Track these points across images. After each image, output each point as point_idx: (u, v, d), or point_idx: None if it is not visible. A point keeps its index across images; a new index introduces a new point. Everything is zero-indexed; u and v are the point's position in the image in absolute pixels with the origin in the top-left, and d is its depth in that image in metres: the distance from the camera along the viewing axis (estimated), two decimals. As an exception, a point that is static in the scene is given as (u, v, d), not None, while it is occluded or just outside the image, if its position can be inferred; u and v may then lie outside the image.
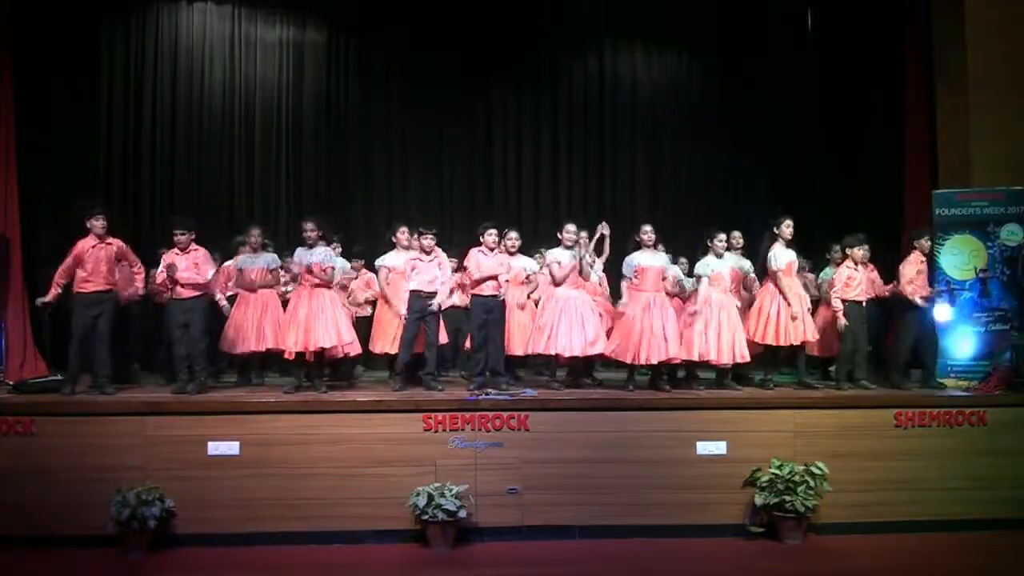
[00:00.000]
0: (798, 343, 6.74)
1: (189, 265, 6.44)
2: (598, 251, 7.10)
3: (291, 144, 10.00)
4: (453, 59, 10.02)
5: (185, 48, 9.71)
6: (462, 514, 5.50)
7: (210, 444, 5.67)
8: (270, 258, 7.14)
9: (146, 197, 9.48)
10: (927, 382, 6.95)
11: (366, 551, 5.53)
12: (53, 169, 8.71)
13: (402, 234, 7.31)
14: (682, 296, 7.20)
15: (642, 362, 6.45)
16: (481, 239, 6.73)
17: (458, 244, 7.73)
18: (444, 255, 6.90)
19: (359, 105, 10.23)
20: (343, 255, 7.65)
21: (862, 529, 5.89)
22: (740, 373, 7.09)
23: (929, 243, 7.14)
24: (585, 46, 10.70)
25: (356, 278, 7.88)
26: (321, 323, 6.35)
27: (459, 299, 7.57)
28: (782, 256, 6.74)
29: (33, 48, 8.49)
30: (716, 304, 6.65)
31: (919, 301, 6.91)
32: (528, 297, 7.27)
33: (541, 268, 7.36)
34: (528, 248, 7.60)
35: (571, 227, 6.81)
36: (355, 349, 6.87)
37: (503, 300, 6.71)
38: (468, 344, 7.05)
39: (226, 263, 7.31)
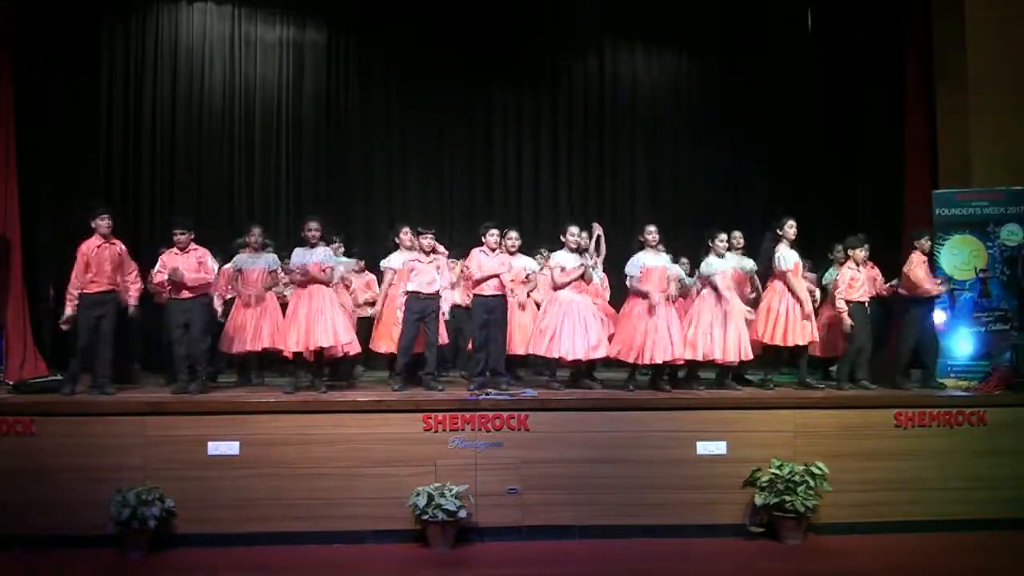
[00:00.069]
0: (805, 343, 6.74)
1: (191, 265, 6.45)
2: (596, 251, 7.10)
3: (291, 144, 10.00)
4: (453, 59, 10.03)
5: (185, 48, 9.71)
6: (462, 514, 5.50)
7: (210, 444, 5.66)
8: (271, 259, 7.13)
9: (146, 197, 9.49)
10: (927, 382, 6.95)
11: (366, 551, 5.53)
12: (53, 169, 8.71)
13: (405, 235, 7.31)
14: (684, 295, 7.21)
15: (646, 361, 6.43)
16: (482, 239, 6.73)
17: (458, 244, 7.74)
18: (443, 260, 6.91)
19: (359, 105, 10.23)
20: (344, 255, 7.65)
21: (862, 529, 5.89)
22: (739, 373, 7.10)
23: (929, 243, 7.14)
24: (585, 46, 10.70)
25: (359, 272, 7.90)
26: (321, 323, 6.35)
27: (460, 299, 7.57)
28: (789, 257, 6.74)
29: (33, 48, 8.48)
30: (721, 307, 6.65)
31: (941, 290, 6.96)
32: (528, 295, 7.27)
33: (542, 268, 7.37)
34: (529, 248, 7.60)
35: (574, 229, 6.80)
36: (354, 348, 6.87)
37: (505, 300, 6.72)
38: (470, 346, 7.05)
39: (225, 266, 7.30)
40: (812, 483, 5.68)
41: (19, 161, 8.12)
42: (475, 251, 6.79)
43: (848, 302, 6.72)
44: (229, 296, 7.23)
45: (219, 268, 7.10)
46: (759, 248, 7.08)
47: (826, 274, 7.70)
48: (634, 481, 5.83)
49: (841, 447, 5.98)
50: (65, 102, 8.89)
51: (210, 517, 5.60)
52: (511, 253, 6.87)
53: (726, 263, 6.77)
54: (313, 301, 6.40)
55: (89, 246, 6.28)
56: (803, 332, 6.68)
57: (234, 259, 7.14)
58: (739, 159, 10.46)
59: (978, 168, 8.09)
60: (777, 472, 5.74)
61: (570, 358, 6.63)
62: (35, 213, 8.42)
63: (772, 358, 7.00)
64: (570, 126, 10.73)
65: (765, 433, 5.97)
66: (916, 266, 6.93)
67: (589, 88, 10.78)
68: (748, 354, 6.64)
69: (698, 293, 7.02)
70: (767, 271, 6.92)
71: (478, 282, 6.63)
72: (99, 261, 6.28)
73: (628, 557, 5.44)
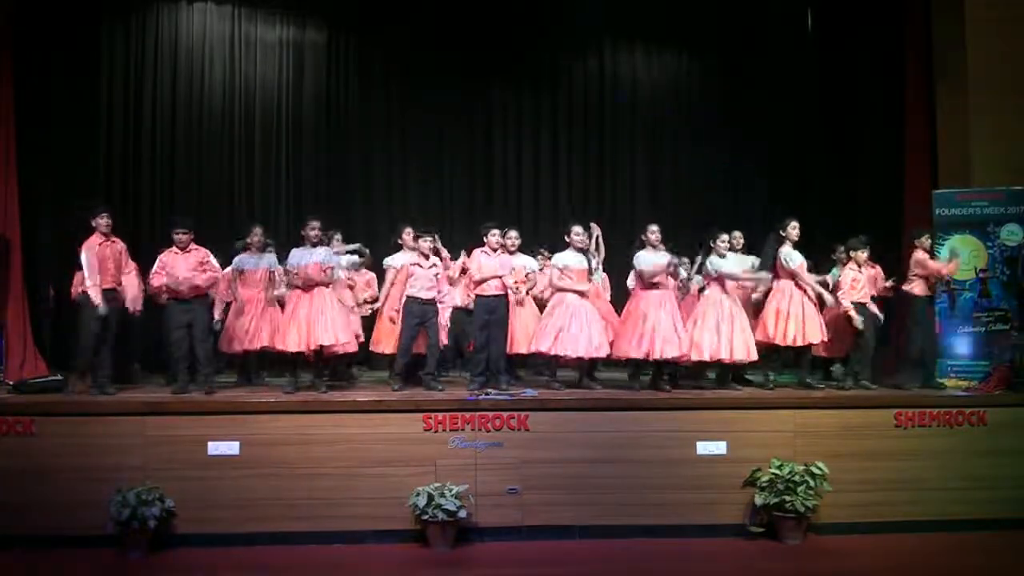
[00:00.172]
0: (817, 342, 6.73)
1: (191, 265, 6.46)
2: (595, 251, 7.10)
3: (291, 144, 9.99)
4: (453, 59, 10.02)
5: (185, 48, 9.70)
6: (462, 514, 5.50)
7: (210, 444, 5.67)
8: (272, 259, 7.14)
9: (146, 197, 9.48)
10: (927, 382, 6.95)
11: (366, 551, 5.54)
12: (53, 169, 8.70)
13: (407, 235, 7.32)
14: (684, 291, 7.22)
15: (657, 356, 6.41)
16: (484, 239, 6.73)
17: (458, 244, 7.74)
18: (441, 264, 6.92)
19: (359, 105, 10.22)
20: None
21: (862, 529, 5.89)
22: (739, 374, 7.10)
23: (930, 241, 7.15)
24: (585, 46, 10.69)
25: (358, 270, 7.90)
26: (322, 322, 6.36)
27: (461, 300, 7.57)
28: (795, 255, 6.74)
29: (33, 48, 8.48)
30: (728, 304, 6.65)
31: (953, 269, 7.05)
32: (527, 294, 7.28)
33: (542, 268, 7.37)
34: (529, 248, 7.60)
35: (579, 229, 6.81)
36: (352, 348, 6.88)
37: (507, 300, 6.72)
38: (471, 346, 7.06)
39: (225, 270, 7.29)
40: (812, 483, 5.68)
41: (19, 161, 8.11)
42: (476, 251, 6.79)
43: (851, 301, 6.72)
44: (227, 300, 7.23)
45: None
46: (760, 248, 7.08)
47: (830, 274, 7.68)
48: (634, 481, 5.83)
49: (841, 447, 5.98)
50: (65, 102, 8.89)
51: (210, 517, 5.60)
52: (511, 252, 6.87)
53: (729, 263, 6.77)
54: (314, 300, 6.40)
55: (91, 244, 6.28)
56: (815, 331, 6.67)
57: (236, 260, 7.15)
58: (739, 159, 10.45)
59: (978, 168, 8.08)
60: (777, 472, 5.74)
61: (575, 356, 6.62)
62: (35, 213, 8.41)
63: (776, 358, 6.99)
64: (570, 126, 10.72)
65: (765, 433, 5.98)
66: (929, 262, 6.95)
67: (589, 88, 10.77)
68: (754, 353, 6.64)
69: (699, 292, 7.04)
70: (772, 272, 6.90)
71: (479, 283, 6.64)
72: (102, 259, 6.30)
73: (628, 557, 5.44)
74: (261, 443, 5.71)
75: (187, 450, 5.66)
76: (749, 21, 10.37)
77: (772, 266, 6.84)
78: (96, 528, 5.41)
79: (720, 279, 6.70)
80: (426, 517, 5.48)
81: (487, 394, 6.19)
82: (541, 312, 7.42)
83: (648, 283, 6.56)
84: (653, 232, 6.64)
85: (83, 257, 6.27)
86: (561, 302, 6.68)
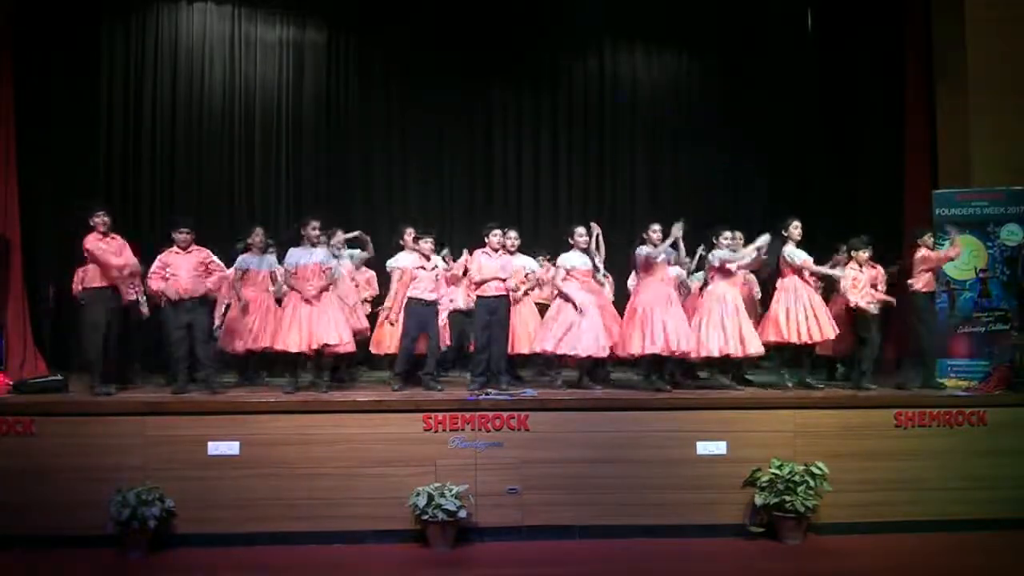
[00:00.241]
0: (832, 336, 6.70)
1: (191, 265, 6.46)
2: (596, 251, 7.10)
3: (291, 144, 10.00)
4: (453, 59, 10.03)
5: (185, 48, 9.71)
6: (462, 514, 5.50)
7: (210, 444, 5.66)
8: (272, 260, 7.15)
9: (146, 197, 9.49)
10: (927, 382, 6.94)
11: (366, 551, 5.53)
12: (53, 169, 8.72)
13: (408, 235, 7.32)
14: (685, 290, 7.23)
15: (674, 349, 6.39)
16: (485, 239, 6.73)
17: (458, 244, 7.74)
18: (441, 266, 6.93)
19: (359, 105, 10.23)
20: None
21: (862, 529, 5.88)
22: (739, 373, 7.09)
23: (932, 239, 7.15)
24: (585, 46, 10.71)
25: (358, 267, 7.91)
26: (323, 322, 6.36)
27: (463, 303, 7.57)
28: (800, 252, 6.73)
29: (33, 48, 8.49)
30: (731, 299, 6.66)
31: (959, 250, 7.02)
32: (525, 294, 7.28)
33: (545, 270, 7.38)
34: (529, 248, 7.61)
35: (581, 229, 6.83)
36: (352, 347, 6.88)
37: (508, 301, 6.73)
38: (471, 347, 7.07)
39: (227, 270, 7.30)
40: (812, 483, 5.68)
41: (19, 161, 8.13)
42: (477, 252, 6.79)
43: (853, 303, 6.74)
44: (227, 301, 7.24)
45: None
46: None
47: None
48: (634, 481, 5.83)
49: (841, 447, 5.98)
50: (65, 102, 8.90)
51: (210, 517, 5.60)
52: (510, 252, 6.87)
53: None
54: (315, 300, 6.40)
55: (92, 241, 6.28)
56: (828, 326, 6.65)
57: (239, 260, 7.16)
58: (739, 159, 10.45)
59: (978, 168, 8.08)
60: (777, 472, 5.74)
61: (584, 355, 6.62)
62: (35, 213, 8.42)
63: (775, 357, 6.99)
64: (570, 126, 10.74)
65: (765, 433, 5.97)
66: (928, 253, 6.95)
67: (589, 88, 10.79)
68: (760, 348, 6.64)
69: (701, 290, 7.04)
70: (774, 272, 6.90)
71: (480, 284, 6.64)
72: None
73: (628, 557, 5.44)
74: (261, 443, 5.71)
75: (187, 450, 5.66)
76: (749, 21, 10.38)
77: (776, 267, 6.83)
78: (96, 528, 5.41)
79: (723, 269, 6.69)
80: (426, 517, 5.47)
81: (487, 394, 6.19)
82: (540, 313, 7.45)
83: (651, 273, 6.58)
84: (655, 231, 6.65)
85: (94, 248, 6.25)
86: (566, 302, 6.68)
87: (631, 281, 7.27)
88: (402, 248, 7.31)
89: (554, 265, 7.38)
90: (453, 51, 10.02)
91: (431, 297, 6.73)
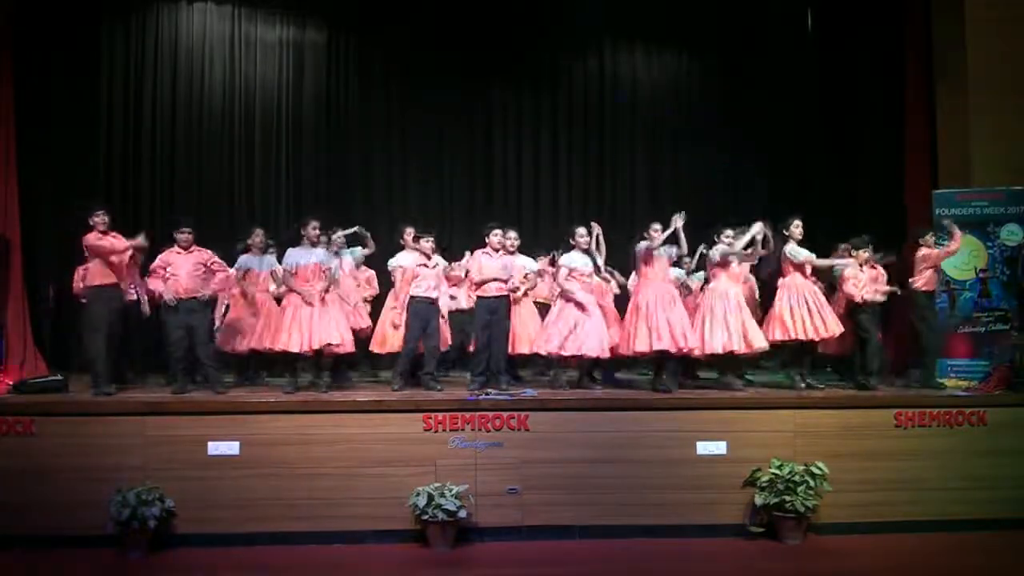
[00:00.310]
0: (838, 332, 6.67)
1: (192, 265, 6.46)
2: (596, 251, 7.10)
3: (291, 144, 10.00)
4: (453, 59, 10.02)
5: (185, 48, 9.71)
6: (462, 514, 5.50)
7: (210, 444, 5.67)
8: (272, 260, 7.15)
9: (146, 197, 9.48)
10: (927, 382, 6.94)
11: (366, 551, 5.53)
12: (53, 169, 8.72)
13: (408, 235, 7.33)
14: (686, 289, 7.22)
15: (681, 346, 6.38)
16: (486, 240, 6.73)
17: (458, 244, 7.74)
18: (442, 264, 6.93)
19: (359, 105, 10.22)
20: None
21: (862, 529, 5.88)
22: (738, 373, 7.09)
23: (933, 239, 7.14)
24: (585, 46, 10.70)
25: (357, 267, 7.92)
26: (325, 321, 6.36)
27: (466, 301, 7.57)
28: (802, 249, 6.72)
29: (33, 48, 8.49)
30: (734, 295, 6.65)
31: (959, 241, 7.00)
32: (525, 294, 7.28)
33: (553, 269, 7.39)
34: (529, 248, 7.61)
35: (582, 230, 6.84)
36: (351, 348, 6.89)
37: (508, 301, 6.74)
38: (472, 347, 7.07)
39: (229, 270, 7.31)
40: (812, 483, 5.68)
41: (19, 161, 8.13)
42: (477, 252, 6.79)
43: (852, 301, 6.73)
44: (226, 302, 7.25)
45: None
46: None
47: (834, 269, 7.66)
48: (634, 481, 5.83)
49: (841, 447, 5.98)
50: (65, 102, 8.90)
51: (210, 517, 5.60)
52: (510, 253, 6.87)
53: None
54: (316, 301, 6.39)
55: (92, 238, 6.27)
56: (833, 321, 6.63)
57: (241, 260, 7.17)
58: (739, 159, 10.44)
59: (978, 168, 8.08)
60: (777, 472, 5.74)
61: (592, 355, 6.62)
62: (35, 213, 8.42)
63: (776, 357, 6.98)
64: (570, 126, 10.73)
65: (765, 433, 5.97)
66: (930, 251, 6.96)
67: (589, 88, 10.78)
68: (764, 343, 6.64)
69: (702, 288, 7.03)
70: (776, 271, 6.89)
71: (480, 284, 6.64)
72: (103, 256, 6.28)
73: (628, 557, 5.44)
74: (261, 443, 5.71)
75: (187, 450, 5.66)
76: (749, 21, 10.37)
77: (777, 267, 6.83)
78: (96, 528, 5.41)
79: (725, 265, 6.69)
80: (426, 517, 5.47)
81: (487, 394, 6.19)
82: (540, 313, 7.45)
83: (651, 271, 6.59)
84: (656, 231, 6.65)
85: (94, 242, 6.24)
86: (565, 305, 6.68)
87: (631, 281, 7.26)
88: (402, 248, 7.32)
89: (552, 263, 7.40)
90: (453, 51, 10.01)
91: (433, 295, 6.74)
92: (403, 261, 7.13)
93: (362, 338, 7.37)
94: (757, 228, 6.69)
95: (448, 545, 5.53)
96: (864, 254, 6.85)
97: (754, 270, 7.41)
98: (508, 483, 5.75)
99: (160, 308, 6.61)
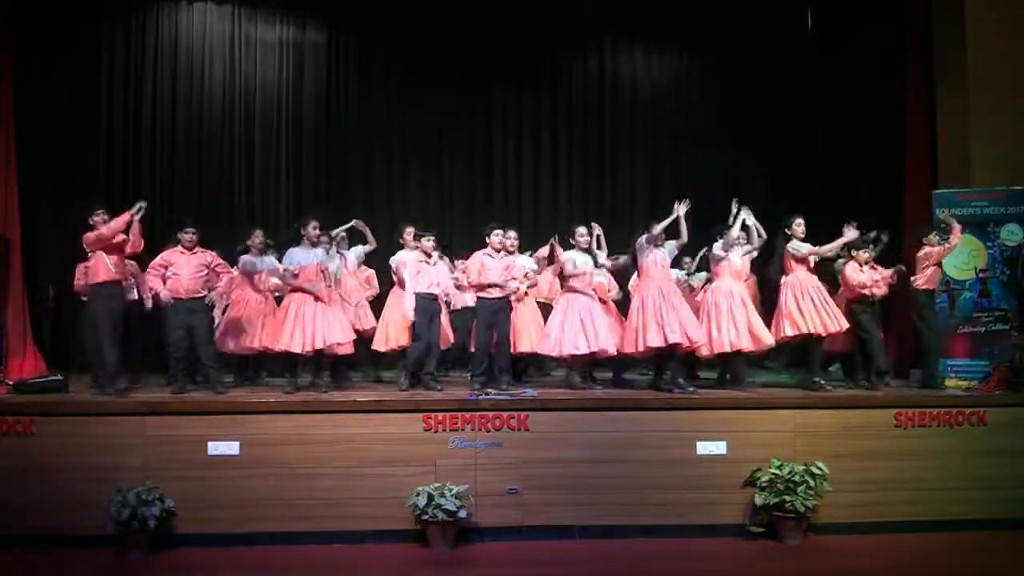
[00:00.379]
0: (843, 330, 6.66)
1: (198, 266, 6.48)
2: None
3: (291, 144, 10.01)
4: (453, 59, 10.03)
5: (185, 48, 9.72)
6: (462, 514, 5.50)
7: (210, 444, 5.66)
8: (272, 260, 7.15)
9: (146, 197, 9.25)
10: (927, 382, 6.94)
11: (366, 551, 5.53)
12: (53, 169, 8.72)
13: (408, 234, 7.33)
14: (687, 287, 7.23)
15: (686, 340, 6.37)
16: (487, 240, 6.72)
17: (458, 244, 7.74)
18: (442, 264, 6.95)
19: (359, 105, 10.24)
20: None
21: (862, 529, 5.88)
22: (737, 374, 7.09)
23: (936, 239, 7.13)
24: (585, 46, 10.71)
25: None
26: (327, 321, 6.37)
27: (472, 301, 7.56)
28: (802, 244, 6.71)
29: (33, 48, 8.50)
30: (737, 293, 6.65)
31: (960, 235, 6.99)
32: (525, 293, 7.29)
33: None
34: (529, 248, 7.60)
35: (583, 229, 6.86)
36: (349, 349, 6.89)
37: (510, 301, 6.74)
38: (472, 347, 7.07)
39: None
40: (812, 483, 5.68)
41: (19, 161, 8.14)
42: (478, 253, 6.79)
43: (854, 301, 6.72)
44: (226, 302, 7.25)
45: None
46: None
47: (835, 264, 7.66)
48: (634, 481, 5.83)
49: (841, 447, 5.97)
50: (65, 102, 8.91)
51: (210, 517, 5.60)
52: (509, 253, 6.87)
53: (735, 256, 6.76)
54: (317, 300, 6.40)
55: (90, 234, 6.27)
56: (839, 318, 6.61)
57: (242, 260, 7.18)
58: (739, 159, 10.44)
59: (978, 168, 8.08)
60: (777, 472, 5.74)
61: (611, 352, 6.63)
62: (35, 213, 8.42)
63: (778, 356, 6.98)
64: (570, 126, 10.74)
65: (765, 433, 5.97)
66: (931, 250, 6.94)
67: (589, 88, 10.79)
68: (771, 339, 6.63)
69: (703, 288, 7.03)
70: (779, 270, 6.88)
71: (480, 287, 6.63)
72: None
73: (628, 557, 5.44)
74: (261, 443, 5.71)
75: (187, 450, 5.66)
76: (749, 21, 10.39)
77: (781, 266, 6.82)
78: (96, 528, 5.41)
79: (726, 262, 6.69)
80: (426, 517, 5.47)
81: (487, 394, 6.19)
82: (539, 312, 7.45)
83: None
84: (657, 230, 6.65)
85: (93, 234, 6.23)
86: (571, 303, 6.68)
87: (632, 282, 7.26)
88: (402, 247, 7.33)
89: (551, 252, 7.41)
90: (453, 51, 10.02)
91: (436, 291, 6.75)
92: (404, 258, 7.14)
93: (365, 339, 7.37)
94: (745, 214, 6.67)
95: (448, 545, 5.53)
96: (864, 255, 6.85)
97: (755, 267, 7.40)
98: (508, 483, 5.75)
99: (160, 307, 6.61)
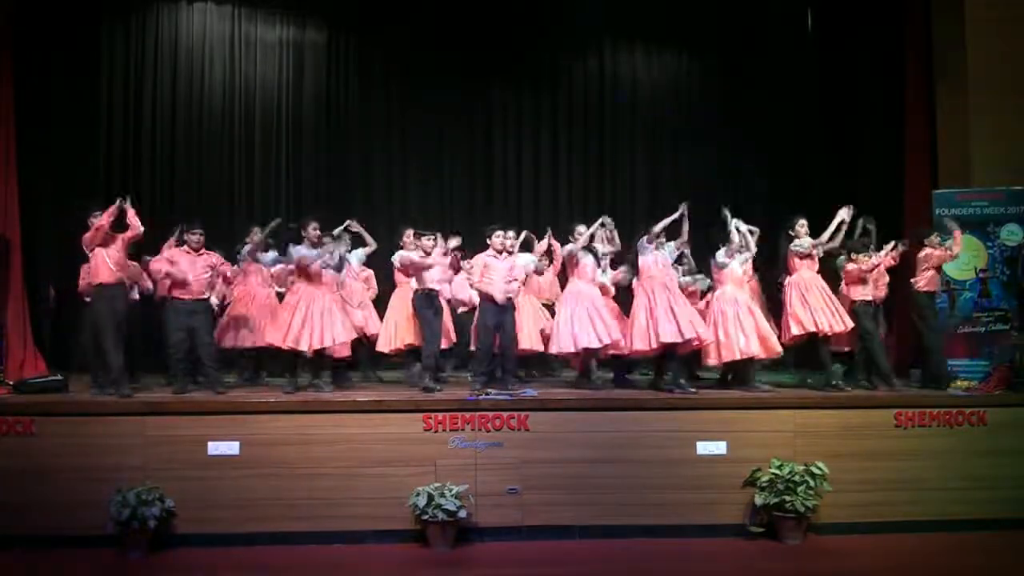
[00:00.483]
0: (848, 329, 6.65)
1: (204, 268, 6.48)
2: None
3: (291, 144, 10.01)
4: (453, 59, 10.03)
5: (185, 48, 9.72)
6: (462, 514, 5.50)
7: (210, 444, 5.67)
8: (270, 258, 7.16)
9: (146, 197, 9.45)
10: (927, 383, 6.94)
11: (366, 551, 5.54)
12: (53, 169, 8.72)
13: (408, 235, 7.33)
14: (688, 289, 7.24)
15: (690, 335, 6.34)
16: (488, 241, 6.71)
17: (458, 245, 7.74)
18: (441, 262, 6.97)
19: (359, 105, 10.24)
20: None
21: (862, 529, 5.89)
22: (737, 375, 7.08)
23: (938, 239, 7.13)
24: (585, 46, 10.71)
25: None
26: (329, 321, 6.38)
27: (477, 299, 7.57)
28: (805, 240, 6.70)
29: (33, 48, 8.49)
30: (743, 300, 6.64)
31: (960, 242, 6.98)
32: (523, 283, 7.30)
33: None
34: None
35: (582, 228, 6.90)
36: (346, 351, 6.90)
37: (513, 301, 6.73)
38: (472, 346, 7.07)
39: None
40: (812, 483, 5.68)
41: (19, 161, 8.13)
42: (481, 255, 6.78)
43: (854, 301, 6.74)
44: (227, 301, 7.26)
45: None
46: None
47: (837, 261, 7.66)
48: (634, 481, 5.83)
49: (841, 447, 5.98)
50: (65, 102, 8.91)
51: (210, 517, 5.60)
52: (509, 252, 6.86)
53: (736, 260, 6.74)
54: (325, 299, 6.42)
55: (87, 235, 6.26)
56: (844, 316, 6.60)
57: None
58: (739, 159, 10.45)
59: (978, 168, 8.08)
60: (777, 472, 5.74)
61: (629, 349, 6.62)
62: (35, 213, 8.42)
63: (782, 356, 6.98)
64: (570, 126, 10.74)
65: (765, 433, 5.97)
66: (932, 252, 6.93)
67: (589, 88, 10.79)
68: (779, 347, 6.61)
69: (704, 297, 7.03)
70: (783, 270, 6.88)
71: (482, 292, 6.63)
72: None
73: (628, 557, 5.44)
74: (261, 443, 5.71)
75: (187, 450, 5.66)
76: (749, 21, 10.38)
77: (784, 266, 6.81)
78: (96, 528, 5.41)
79: (727, 270, 6.68)
80: (426, 517, 5.48)
81: (487, 394, 6.19)
82: (539, 312, 7.45)
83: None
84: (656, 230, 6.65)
85: (93, 230, 6.21)
86: (578, 299, 6.66)
87: (632, 283, 7.24)
88: (402, 248, 7.33)
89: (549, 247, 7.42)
90: (453, 51, 10.02)
91: (438, 288, 6.79)
92: (408, 252, 7.15)
93: (369, 342, 7.38)
94: (741, 224, 6.70)
95: (448, 545, 5.53)
96: (864, 258, 6.84)
97: (756, 266, 7.39)
98: (508, 483, 5.75)
99: (160, 306, 6.61)
